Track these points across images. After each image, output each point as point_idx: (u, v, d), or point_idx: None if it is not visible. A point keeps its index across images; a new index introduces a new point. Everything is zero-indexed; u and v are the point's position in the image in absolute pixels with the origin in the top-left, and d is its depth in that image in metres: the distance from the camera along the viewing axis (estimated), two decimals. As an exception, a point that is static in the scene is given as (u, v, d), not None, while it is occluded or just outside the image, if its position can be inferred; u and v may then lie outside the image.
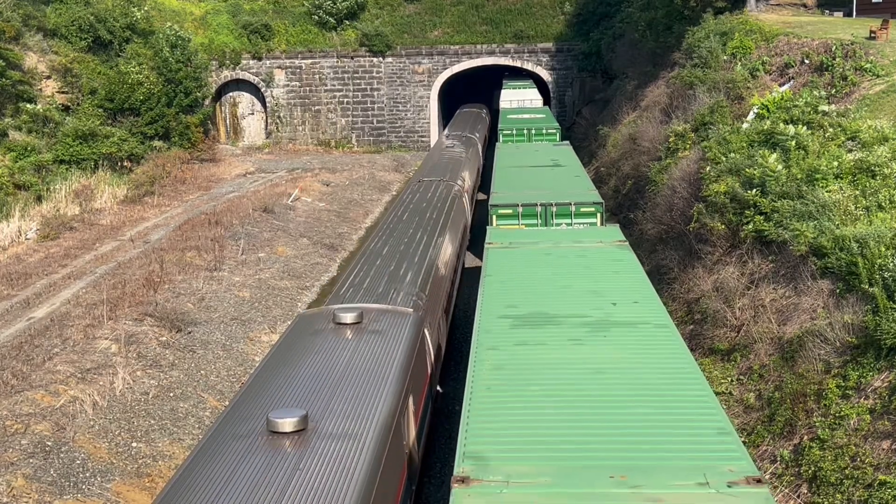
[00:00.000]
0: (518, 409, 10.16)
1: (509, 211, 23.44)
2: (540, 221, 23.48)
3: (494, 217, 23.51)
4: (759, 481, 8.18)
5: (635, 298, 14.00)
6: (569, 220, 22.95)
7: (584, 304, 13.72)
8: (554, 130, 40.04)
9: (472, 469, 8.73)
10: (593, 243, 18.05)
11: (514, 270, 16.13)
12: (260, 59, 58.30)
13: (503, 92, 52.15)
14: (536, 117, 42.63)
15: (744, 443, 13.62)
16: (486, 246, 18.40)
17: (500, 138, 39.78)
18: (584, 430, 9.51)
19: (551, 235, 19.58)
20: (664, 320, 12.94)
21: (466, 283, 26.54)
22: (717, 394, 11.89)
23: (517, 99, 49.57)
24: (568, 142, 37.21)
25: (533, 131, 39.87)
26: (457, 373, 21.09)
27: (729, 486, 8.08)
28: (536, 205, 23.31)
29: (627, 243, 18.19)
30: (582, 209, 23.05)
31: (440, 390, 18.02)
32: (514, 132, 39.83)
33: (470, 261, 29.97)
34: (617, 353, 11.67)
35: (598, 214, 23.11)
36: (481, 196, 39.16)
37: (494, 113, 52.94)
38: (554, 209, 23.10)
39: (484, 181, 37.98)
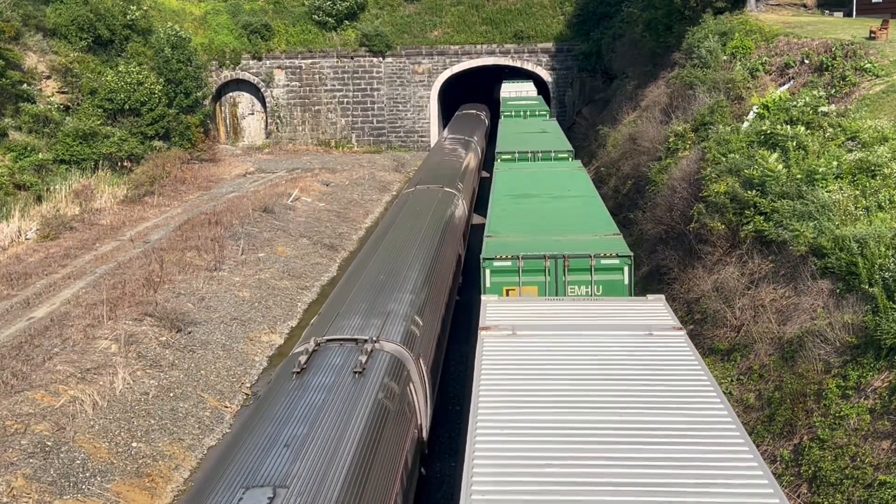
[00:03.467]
0: (512, 216, 21.11)
1: (509, 157, 32.69)
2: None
3: (499, 160, 32.19)
4: (618, 234, 18.87)
5: (580, 187, 24.59)
6: (550, 163, 31.77)
7: (552, 189, 24.28)
8: (544, 112, 47.48)
9: (492, 233, 19.41)
10: (562, 168, 28.76)
11: (513, 179, 26.21)
12: (260, 59, 58.30)
13: (503, 86, 56.51)
14: (531, 103, 49.89)
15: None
16: (494, 171, 28.26)
17: (502, 117, 46.53)
18: (543, 222, 20.29)
19: (536, 165, 30.71)
20: (594, 195, 23.56)
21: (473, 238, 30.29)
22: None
23: (515, 90, 54.95)
24: (555, 119, 46.36)
25: (528, 112, 47.05)
26: (456, 372, 21.12)
27: (605, 236, 18.74)
28: (528, 152, 32.99)
29: (584, 168, 28.68)
30: (559, 155, 32.74)
31: (458, 298, 24.95)
32: (513, 113, 47.13)
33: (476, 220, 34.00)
34: (566, 203, 22.45)
35: (570, 158, 32.38)
36: (485, 174, 41.86)
37: (495, 106, 56.47)
38: (540, 155, 32.86)
39: (486, 167, 42.28)
